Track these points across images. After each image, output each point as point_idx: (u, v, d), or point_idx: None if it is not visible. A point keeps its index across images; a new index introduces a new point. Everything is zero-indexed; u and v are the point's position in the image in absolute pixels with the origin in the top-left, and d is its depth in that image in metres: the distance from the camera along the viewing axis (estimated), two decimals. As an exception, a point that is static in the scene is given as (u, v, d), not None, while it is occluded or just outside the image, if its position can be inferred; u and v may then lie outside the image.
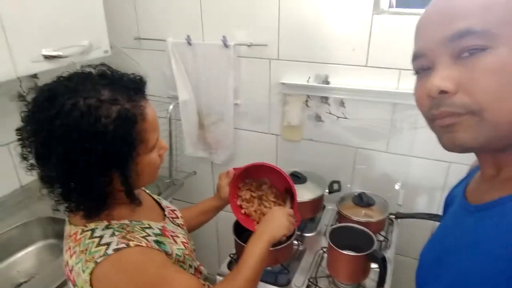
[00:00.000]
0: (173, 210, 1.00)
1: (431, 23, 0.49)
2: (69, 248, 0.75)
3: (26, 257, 1.39)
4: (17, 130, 0.71)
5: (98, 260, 0.68)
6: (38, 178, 0.72)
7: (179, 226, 0.96)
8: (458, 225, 0.56)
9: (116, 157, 0.68)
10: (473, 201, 0.55)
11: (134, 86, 0.73)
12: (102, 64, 0.75)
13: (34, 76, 1.42)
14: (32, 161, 0.71)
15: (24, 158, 0.71)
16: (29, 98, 0.71)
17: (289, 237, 1.14)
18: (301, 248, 1.33)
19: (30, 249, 1.41)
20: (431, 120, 0.51)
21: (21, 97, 1.44)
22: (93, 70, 0.74)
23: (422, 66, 0.51)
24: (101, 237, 0.72)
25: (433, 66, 0.48)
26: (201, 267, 1.01)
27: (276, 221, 0.96)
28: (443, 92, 0.46)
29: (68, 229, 0.78)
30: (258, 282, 0.88)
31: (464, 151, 0.49)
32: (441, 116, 0.48)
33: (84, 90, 0.67)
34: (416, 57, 0.51)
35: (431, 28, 0.48)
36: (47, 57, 1.20)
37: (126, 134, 0.68)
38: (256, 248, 0.89)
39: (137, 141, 0.70)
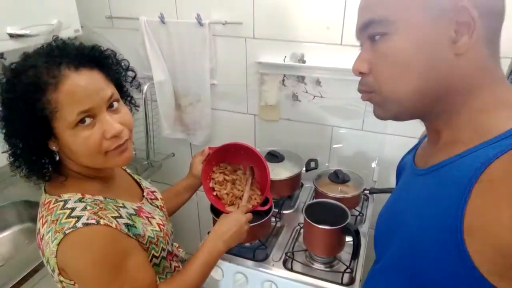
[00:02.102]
0: (152, 192, 1.00)
1: (357, 13, 0.56)
2: (42, 216, 0.75)
3: (1, 242, 1.37)
4: None
5: (67, 232, 0.69)
6: None
7: (157, 207, 0.96)
8: (408, 189, 0.61)
9: (29, 124, 0.68)
10: (420, 165, 0.60)
11: (65, 55, 0.70)
12: (56, 36, 0.77)
13: (1, 56, 1.36)
14: None
15: None
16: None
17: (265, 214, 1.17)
18: (278, 224, 1.36)
19: (5, 233, 1.39)
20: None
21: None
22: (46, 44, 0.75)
23: (360, 46, 0.58)
24: (72, 209, 0.72)
25: (362, 48, 0.56)
26: (179, 249, 1.01)
27: (238, 229, 0.99)
28: (361, 73, 0.55)
29: (44, 197, 0.78)
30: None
31: (388, 119, 0.57)
32: (361, 92, 0.58)
33: (25, 59, 0.70)
34: (356, 38, 0.59)
35: (357, 17, 0.56)
36: (13, 36, 1.16)
37: (35, 102, 0.67)
38: (211, 256, 0.92)
39: (48, 111, 0.67)
